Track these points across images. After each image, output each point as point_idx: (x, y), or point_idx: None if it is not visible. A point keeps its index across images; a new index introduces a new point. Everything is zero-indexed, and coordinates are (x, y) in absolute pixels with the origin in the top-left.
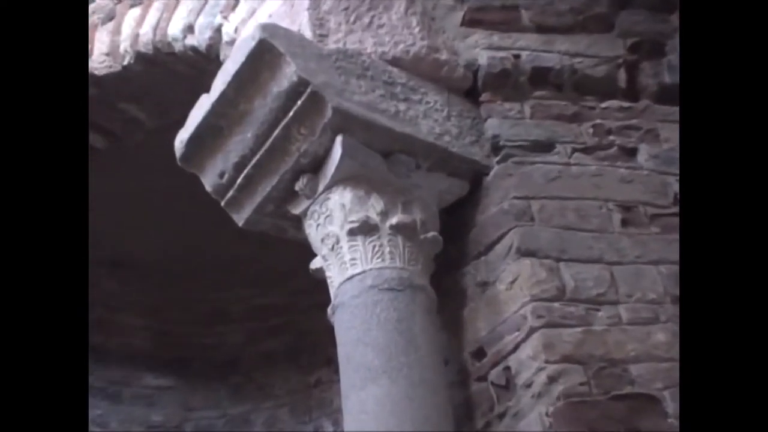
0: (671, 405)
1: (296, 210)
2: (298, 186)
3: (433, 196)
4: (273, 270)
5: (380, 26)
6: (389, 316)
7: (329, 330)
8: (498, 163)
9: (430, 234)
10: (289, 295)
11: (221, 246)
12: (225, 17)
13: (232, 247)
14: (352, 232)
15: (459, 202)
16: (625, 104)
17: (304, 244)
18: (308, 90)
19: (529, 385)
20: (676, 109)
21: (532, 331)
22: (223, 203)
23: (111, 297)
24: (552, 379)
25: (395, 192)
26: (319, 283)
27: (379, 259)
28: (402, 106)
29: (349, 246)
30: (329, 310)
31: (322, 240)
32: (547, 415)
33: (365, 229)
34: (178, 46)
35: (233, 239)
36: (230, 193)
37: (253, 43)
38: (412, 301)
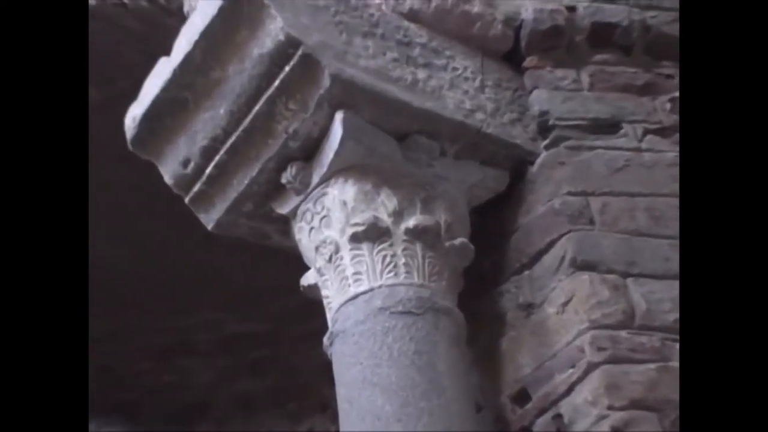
0: None
1: (283, 209)
2: (286, 177)
3: (462, 192)
4: (252, 288)
5: None
6: (405, 347)
7: (325, 366)
8: (547, 148)
9: (458, 241)
10: (272, 321)
11: (184, 257)
12: None
13: (199, 258)
14: (355, 238)
15: (495, 199)
16: None
17: (292, 253)
18: (299, 52)
19: None
20: None
21: (592, 367)
22: (187, 200)
23: None
24: (617, 431)
25: (413, 186)
26: (312, 305)
27: (392, 274)
28: (422, 74)
29: (352, 256)
30: (326, 340)
31: (317, 248)
32: None
33: (373, 235)
34: None
35: (201, 248)
36: (197, 187)
37: None
38: (435, 328)
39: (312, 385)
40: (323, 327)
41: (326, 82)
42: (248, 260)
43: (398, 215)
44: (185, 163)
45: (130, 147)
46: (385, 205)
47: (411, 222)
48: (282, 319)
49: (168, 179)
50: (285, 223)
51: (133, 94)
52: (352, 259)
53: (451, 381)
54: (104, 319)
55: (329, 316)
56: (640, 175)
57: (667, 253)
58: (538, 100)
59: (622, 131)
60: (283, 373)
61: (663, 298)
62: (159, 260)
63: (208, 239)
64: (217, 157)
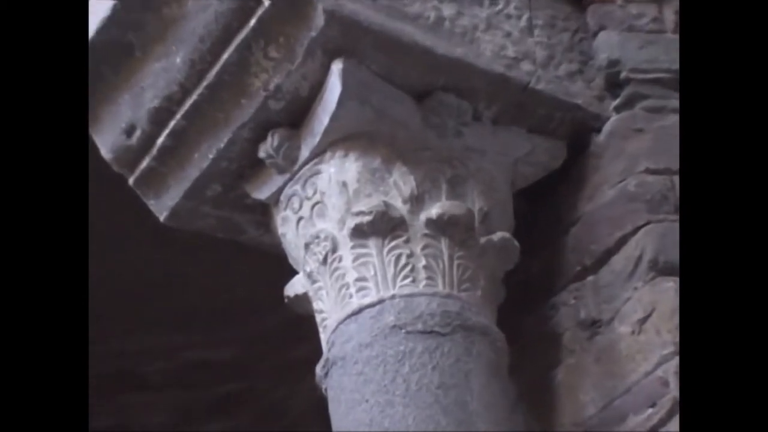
0: None
1: (261, 193)
2: (266, 150)
3: (502, 170)
4: (220, 302)
5: None
6: (426, 379)
7: (317, 404)
8: (618, 110)
9: (498, 236)
10: (247, 345)
11: (128, 260)
12: None
13: (148, 261)
14: (360, 233)
15: (548, 179)
16: None
17: (274, 253)
18: None
19: None
20: None
21: (679, 405)
22: (131, 180)
23: None
24: None
25: (436, 162)
26: (300, 323)
27: (408, 280)
28: (448, 10)
29: (354, 256)
30: (319, 369)
31: (308, 246)
32: None
33: (383, 227)
34: None
35: (150, 248)
36: (145, 163)
37: None
38: (467, 353)
39: (299, 430)
40: (315, 352)
41: (319, 20)
42: (215, 263)
43: (417, 201)
44: (129, 131)
45: None
46: (399, 188)
47: (434, 210)
48: (259, 343)
49: (105, 152)
50: (264, 213)
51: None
52: (355, 261)
53: (488, 425)
54: None
55: (324, 337)
56: None
57: None
58: (606, 45)
59: None
60: (261, 413)
61: None
62: (93, 265)
63: (160, 235)
64: (172, 123)
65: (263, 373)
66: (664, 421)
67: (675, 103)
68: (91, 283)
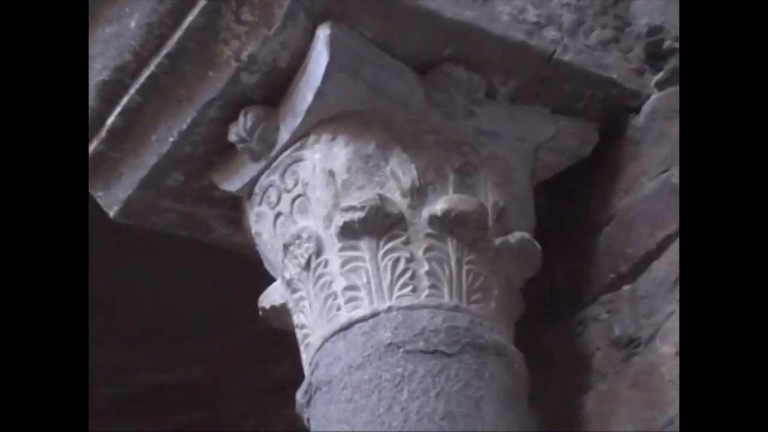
0: None
1: (232, 184)
2: (237, 133)
3: (522, 156)
4: (180, 315)
5: None
6: (429, 408)
7: None
8: (660, 86)
9: (516, 236)
10: (212, 367)
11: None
12: None
13: (93, 265)
14: (350, 232)
15: (576, 169)
16: None
17: (246, 256)
18: None
19: None
20: None
21: None
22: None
23: None
24: None
25: (442, 147)
26: (276, 340)
27: (408, 289)
28: None
29: (343, 260)
30: (300, 395)
31: (288, 247)
32: None
33: (379, 225)
34: None
35: (95, 249)
36: (92, 147)
37: None
38: (478, 376)
39: None
40: (295, 375)
41: None
42: (174, 268)
43: (419, 194)
44: None
45: None
46: (397, 178)
47: (439, 206)
48: (228, 363)
49: None
50: (235, 208)
51: None
52: (344, 266)
53: None
54: None
55: (306, 357)
56: None
57: None
58: (647, 8)
59: None
60: None
61: None
62: None
63: (108, 234)
64: (125, 99)
65: (232, 399)
66: None
67: None
68: None
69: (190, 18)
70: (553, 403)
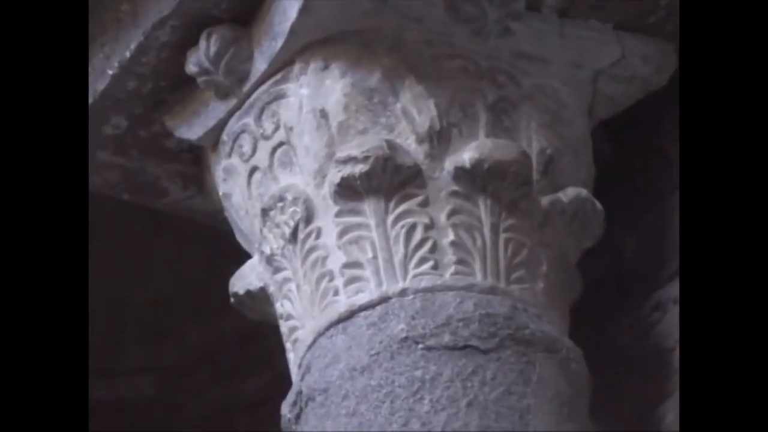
0: None
1: (190, 130)
2: (198, 61)
3: (576, 88)
4: (133, 307)
5: None
6: (459, 422)
7: None
8: None
9: (570, 194)
10: (159, 380)
11: None
12: None
13: None
14: (349, 190)
15: (649, 103)
16: None
17: (211, 226)
18: None
19: None
20: None
21: None
22: None
23: None
24: None
25: (471, 76)
26: (250, 336)
27: (428, 265)
28: None
29: (341, 229)
30: (287, 408)
31: (267, 212)
32: None
33: (388, 182)
34: None
35: None
36: None
37: None
38: (523, 379)
39: None
40: (278, 384)
41: None
42: (122, 244)
43: (440, 140)
44: None
45: None
46: (411, 119)
47: (467, 154)
48: (182, 377)
49: None
50: (196, 162)
51: None
52: (343, 236)
53: None
54: None
55: (293, 357)
56: None
57: None
58: None
59: None
60: None
61: None
62: None
63: None
64: None
65: (190, 423)
66: None
67: None
68: None
69: None
70: (624, 414)
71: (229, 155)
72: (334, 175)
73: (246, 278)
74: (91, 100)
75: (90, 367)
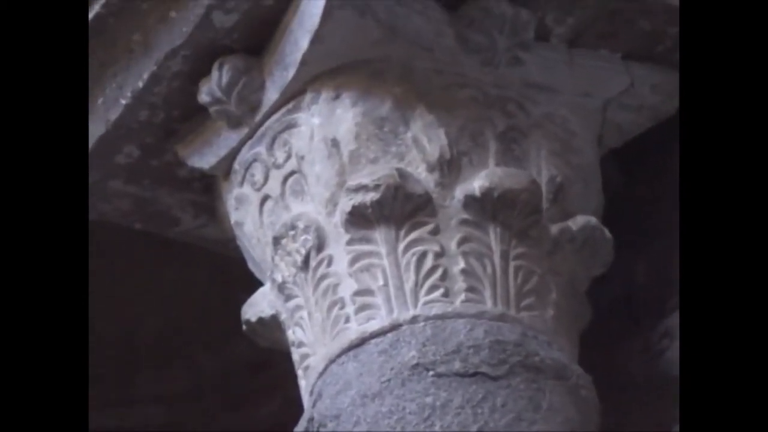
0: None
1: (203, 159)
2: (209, 91)
3: (586, 117)
4: (125, 342)
5: None
6: None
7: None
8: None
9: (580, 222)
10: (170, 409)
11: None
12: None
13: None
14: (360, 219)
15: (658, 132)
16: None
17: (222, 254)
18: None
19: None
20: None
21: None
22: None
23: None
24: None
25: (481, 105)
26: (261, 364)
27: (439, 293)
28: None
29: (353, 257)
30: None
31: (279, 240)
32: None
33: (398, 210)
34: None
35: None
36: None
37: None
38: (533, 406)
39: None
40: (289, 412)
41: None
42: (132, 271)
43: (450, 168)
44: None
45: None
46: (421, 148)
47: (478, 183)
48: (194, 403)
49: None
50: (207, 191)
51: None
52: (354, 264)
53: None
54: None
55: (305, 384)
56: None
57: None
58: None
59: None
60: None
61: None
62: None
63: None
64: None
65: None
66: None
67: None
68: None
69: None
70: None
71: (241, 184)
72: (345, 203)
73: (258, 306)
74: (103, 129)
75: (101, 396)
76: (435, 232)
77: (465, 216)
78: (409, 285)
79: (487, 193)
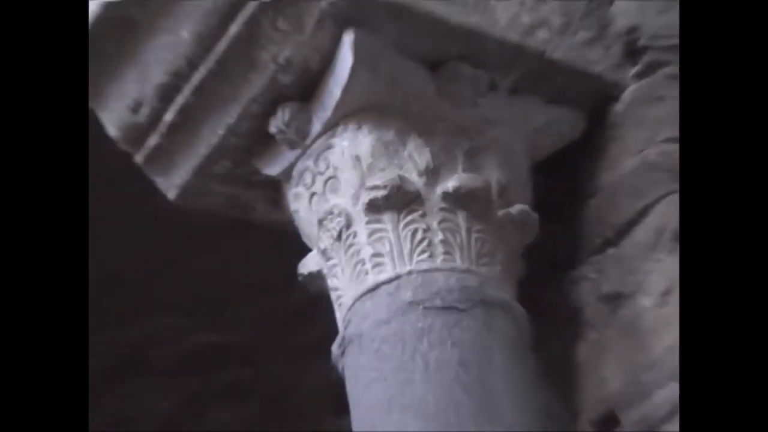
0: None
1: (272, 169)
2: (276, 125)
3: (520, 141)
4: (228, 284)
5: None
6: (446, 356)
7: (331, 387)
8: (638, 77)
9: (516, 208)
10: (257, 328)
11: (130, 246)
12: None
13: (150, 246)
14: (374, 207)
15: (567, 150)
16: None
17: (286, 231)
18: None
19: None
20: None
21: None
22: (139, 158)
23: None
24: None
25: (452, 133)
26: (313, 303)
27: (425, 255)
28: None
29: (369, 232)
30: (335, 348)
31: (321, 222)
32: None
33: (399, 201)
34: None
35: (151, 233)
36: (153, 140)
37: None
38: (487, 329)
39: (312, 413)
40: (329, 332)
41: None
42: (222, 243)
43: (433, 174)
44: (136, 107)
45: None
46: (414, 161)
47: (450, 183)
48: (270, 325)
49: (112, 130)
50: (275, 189)
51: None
52: (371, 236)
53: (511, 402)
54: None
55: (339, 315)
56: None
57: None
58: (624, 11)
59: None
60: (271, 398)
61: None
62: (94, 252)
63: (161, 219)
64: (179, 99)
65: (274, 357)
66: None
67: None
68: (92, 269)
69: (234, 28)
70: (552, 352)
71: (297, 185)
72: (365, 197)
73: (308, 264)
74: (207, 150)
75: (207, 321)
76: (423, 215)
77: (443, 205)
78: (406, 250)
79: (456, 190)
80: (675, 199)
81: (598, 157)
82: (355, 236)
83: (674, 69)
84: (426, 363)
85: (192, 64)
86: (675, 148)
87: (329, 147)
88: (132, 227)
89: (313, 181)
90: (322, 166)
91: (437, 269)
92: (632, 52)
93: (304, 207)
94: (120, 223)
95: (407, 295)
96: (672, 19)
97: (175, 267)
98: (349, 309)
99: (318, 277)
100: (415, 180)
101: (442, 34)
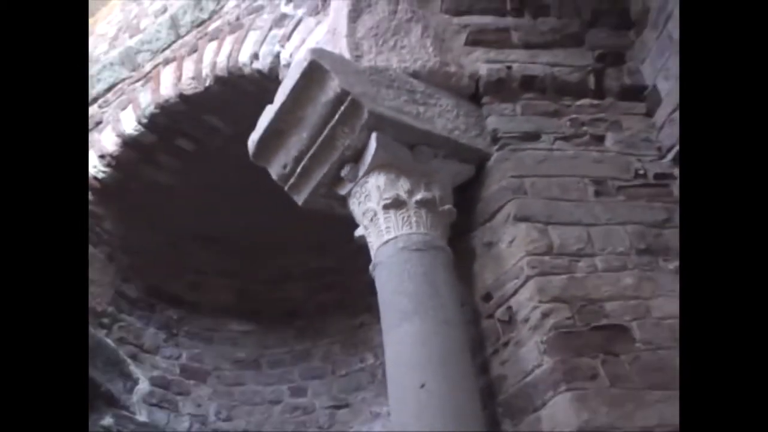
0: (638, 333)
1: (342, 191)
2: (344, 173)
3: (448, 178)
4: (326, 239)
5: (402, 47)
6: (417, 270)
7: (370, 284)
8: (497, 150)
9: (447, 207)
10: (338, 260)
11: (285, 223)
12: (282, 46)
13: (293, 223)
14: (386, 207)
15: (468, 182)
16: (595, 102)
17: (348, 218)
18: (348, 98)
19: (526, 320)
20: (635, 104)
21: (528, 278)
22: (286, 188)
23: (203, 264)
24: (545, 315)
25: (419, 175)
26: (361, 248)
27: (408, 227)
28: (422, 109)
29: (384, 218)
30: (371, 267)
31: (363, 214)
32: (541, 342)
33: (396, 204)
34: (246, 70)
35: (294, 217)
36: (291, 180)
37: (305, 64)
38: (435, 258)
39: (362, 296)
40: (368, 261)
41: (365, 115)
42: (323, 223)
43: (411, 193)
44: (284, 167)
45: (251, 159)
46: (403, 187)
47: (418, 196)
48: (344, 258)
49: (274, 176)
50: (344, 200)
51: (252, 128)
52: (385, 219)
53: (446, 289)
54: (241, 261)
55: (372, 254)
56: (554, 165)
57: (571, 210)
58: (491, 122)
59: (542, 139)
60: (345, 290)
61: (569, 237)
62: (271, 226)
63: (298, 212)
64: (302, 162)
65: (346, 273)
66: (522, 285)
67: (522, 146)
68: (273, 232)
69: (325, 132)
70: (461, 269)
71: (352, 198)
72: (382, 203)
73: (359, 232)
74: (314, 183)
75: (320, 252)
76: (406, 210)
77: (416, 206)
78: (399, 225)
79: (422, 199)
80: (514, 202)
81: (481, 184)
82: (378, 220)
83: (513, 146)
84: (409, 273)
85: (307, 148)
86: (514, 180)
87: (366, 182)
88: (291, 214)
89: (360, 196)
90: (363, 190)
91: (414, 233)
92: (495, 139)
93: (356, 207)
94: (282, 214)
95: (401, 244)
96: (512, 124)
97: (307, 234)
98: (376, 251)
99: (362, 238)
100: (404, 195)
101: (413, 133)
